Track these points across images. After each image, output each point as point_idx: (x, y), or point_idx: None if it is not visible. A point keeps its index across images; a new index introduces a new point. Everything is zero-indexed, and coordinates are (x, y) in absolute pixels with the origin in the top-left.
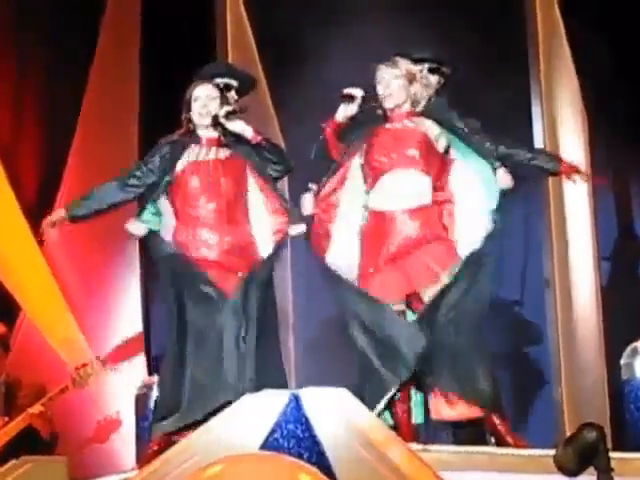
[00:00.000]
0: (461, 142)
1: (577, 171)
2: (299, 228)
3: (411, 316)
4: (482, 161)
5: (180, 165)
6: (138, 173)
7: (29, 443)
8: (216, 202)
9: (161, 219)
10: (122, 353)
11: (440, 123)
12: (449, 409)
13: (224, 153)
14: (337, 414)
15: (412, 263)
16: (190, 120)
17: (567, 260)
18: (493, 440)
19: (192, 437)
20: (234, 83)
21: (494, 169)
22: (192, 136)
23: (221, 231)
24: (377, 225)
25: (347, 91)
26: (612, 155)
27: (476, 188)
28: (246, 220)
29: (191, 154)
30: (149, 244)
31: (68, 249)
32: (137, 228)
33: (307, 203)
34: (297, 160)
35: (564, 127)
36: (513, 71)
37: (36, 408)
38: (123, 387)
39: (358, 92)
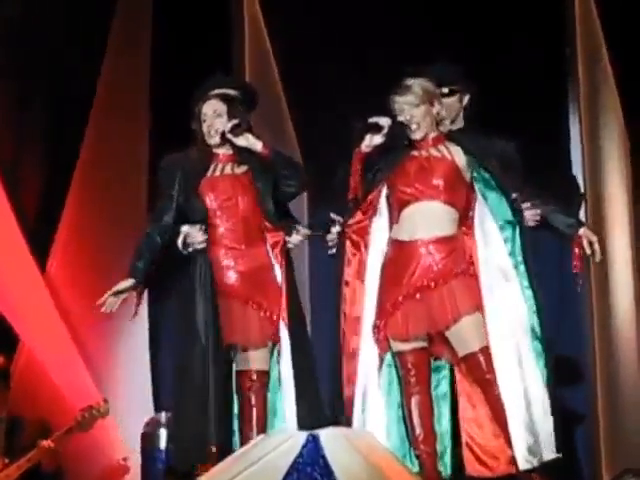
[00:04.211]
0: (484, 171)
1: (591, 245)
2: (296, 238)
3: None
4: (500, 194)
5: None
6: (167, 206)
7: None
8: (232, 221)
9: None
10: None
11: (466, 149)
12: (486, 464)
13: (240, 170)
14: (358, 457)
15: (436, 299)
16: (204, 137)
17: (607, 291)
18: None
19: (203, 479)
20: (233, 93)
21: (513, 201)
22: (208, 153)
23: (238, 251)
24: (398, 255)
25: (373, 120)
26: None
27: (494, 223)
28: (263, 240)
29: (208, 171)
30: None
31: (71, 277)
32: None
33: (331, 239)
34: (313, 171)
35: (604, 150)
36: (550, 90)
37: (47, 443)
38: (129, 425)
39: (385, 121)
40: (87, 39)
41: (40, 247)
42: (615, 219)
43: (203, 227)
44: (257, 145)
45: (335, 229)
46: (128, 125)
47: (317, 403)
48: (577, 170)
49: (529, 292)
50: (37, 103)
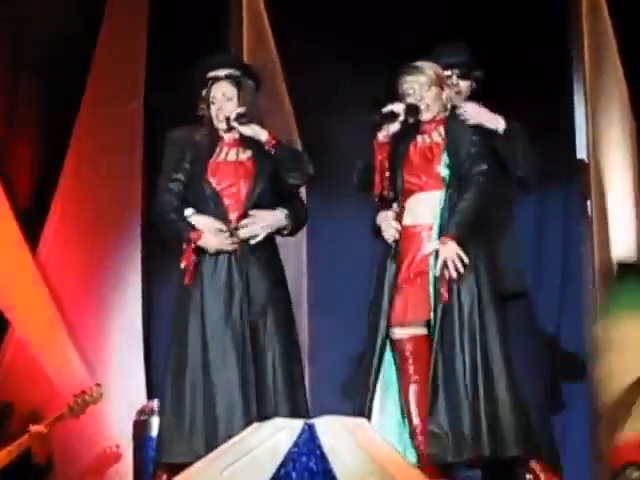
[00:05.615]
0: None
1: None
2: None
3: None
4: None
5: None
6: (176, 185)
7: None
8: (235, 207)
9: None
10: None
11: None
12: None
13: (245, 155)
14: (354, 446)
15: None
16: (211, 119)
17: (610, 264)
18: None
19: (194, 468)
20: (238, 74)
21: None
22: (215, 135)
23: (238, 237)
24: (399, 240)
25: (388, 109)
26: None
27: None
28: None
29: (214, 154)
30: None
31: (63, 260)
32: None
33: (392, 234)
34: (315, 160)
35: (609, 132)
36: (554, 72)
37: (38, 428)
38: (121, 413)
39: (399, 107)
40: (83, 13)
41: (31, 230)
42: (618, 188)
43: (232, 227)
44: (262, 135)
45: (395, 226)
46: (123, 107)
47: None
48: (580, 141)
49: None
50: (30, 82)
